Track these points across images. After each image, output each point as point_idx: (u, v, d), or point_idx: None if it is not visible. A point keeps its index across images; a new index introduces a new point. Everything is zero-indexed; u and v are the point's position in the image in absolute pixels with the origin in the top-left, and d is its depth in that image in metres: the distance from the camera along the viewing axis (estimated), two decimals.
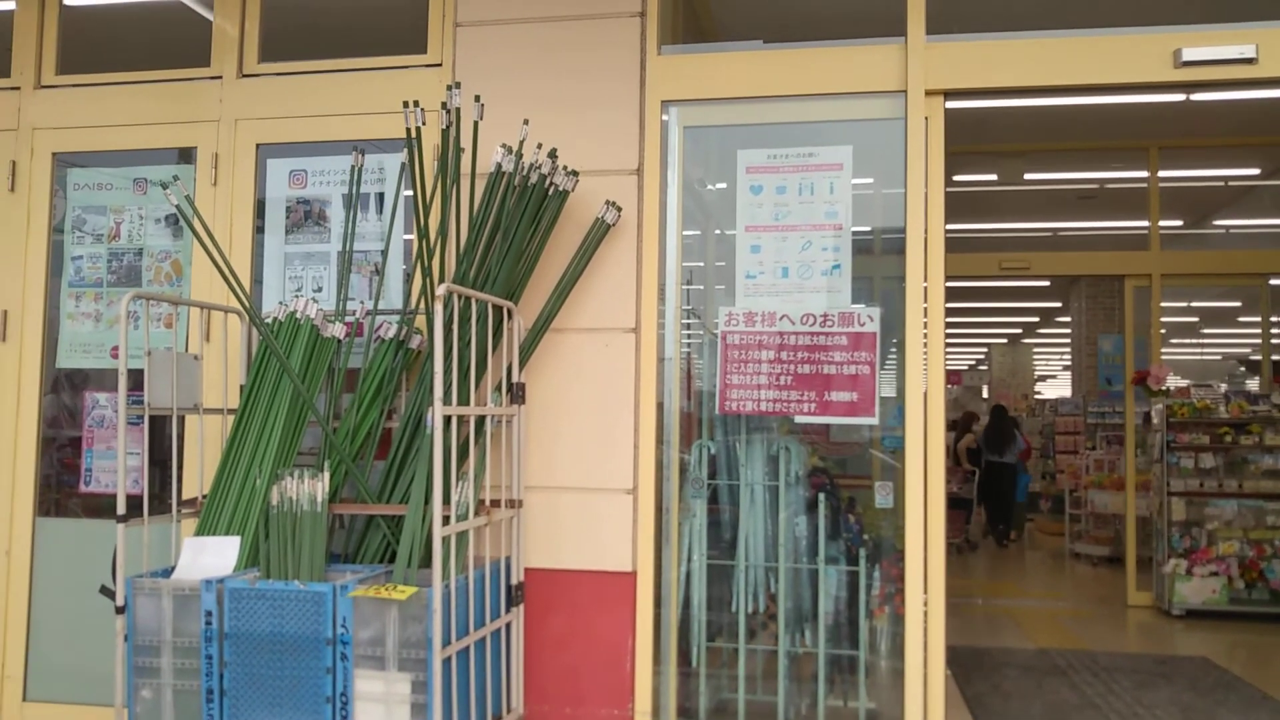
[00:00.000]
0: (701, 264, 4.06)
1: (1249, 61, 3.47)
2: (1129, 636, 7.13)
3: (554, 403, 3.70)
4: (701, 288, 4.04)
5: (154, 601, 3.07)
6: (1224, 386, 8.52)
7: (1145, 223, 8.51)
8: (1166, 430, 8.07)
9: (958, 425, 12.43)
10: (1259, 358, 9.83)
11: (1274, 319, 8.91)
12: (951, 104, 3.68)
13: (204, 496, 3.47)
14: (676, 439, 3.84)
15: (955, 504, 11.42)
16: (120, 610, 3.09)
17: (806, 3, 5.02)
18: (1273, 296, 8.92)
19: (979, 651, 6.41)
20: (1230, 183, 9.02)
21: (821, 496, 3.84)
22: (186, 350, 3.98)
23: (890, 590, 3.84)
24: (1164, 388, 8.21)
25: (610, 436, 3.67)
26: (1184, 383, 8.73)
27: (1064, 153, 8.63)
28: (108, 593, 3.20)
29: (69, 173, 4.27)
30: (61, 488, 4.24)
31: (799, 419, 3.75)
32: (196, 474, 3.64)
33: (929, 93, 3.63)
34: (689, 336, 3.98)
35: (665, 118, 3.82)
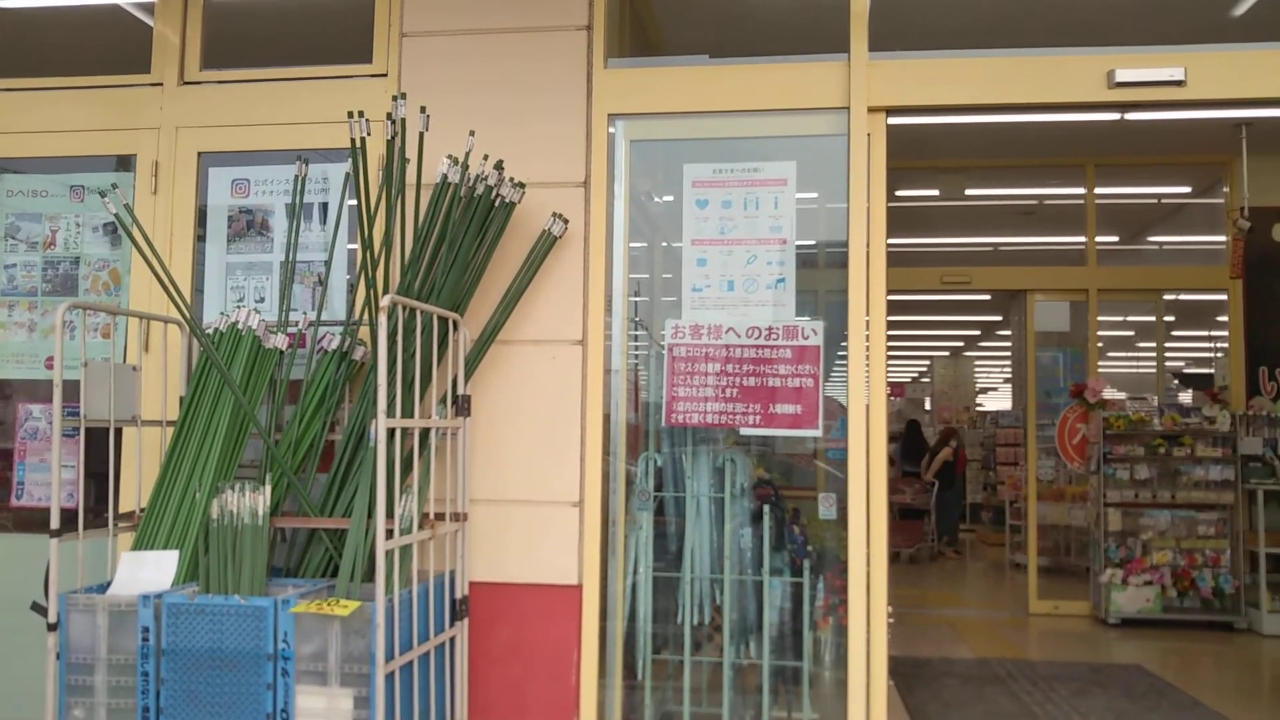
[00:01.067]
0: (649, 276, 4.08)
1: (1178, 84, 3.57)
2: (1067, 645, 7.26)
3: (500, 415, 3.69)
4: (649, 300, 4.05)
5: (88, 618, 3.01)
6: (1157, 399, 8.72)
7: (1082, 238, 8.71)
8: (1103, 442, 8.24)
9: (938, 439, 12.78)
10: (1193, 371, 10.10)
11: (1208, 334, 9.15)
12: (894, 120, 3.74)
13: (142, 510, 3.40)
14: (623, 451, 3.84)
15: (916, 514, 11.69)
16: (52, 627, 3.01)
17: (753, 18, 5.08)
18: (1205, 311, 9.17)
19: (920, 662, 6.49)
20: (1163, 200, 9.26)
21: (766, 508, 3.87)
22: (125, 361, 3.91)
23: (834, 601, 3.88)
24: (1100, 400, 8.38)
25: (556, 449, 3.66)
26: (1120, 395, 8.93)
27: (1004, 169, 8.81)
28: (39, 609, 3.13)
29: (2, 179, 4.18)
30: None
31: (744, 431, 3.78)
32: (135, 487, 3.57)
33: (871, 109, 3.68)
34: (636, 348, 4.00)
35: (612, 130, 3.84)
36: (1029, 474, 8.80)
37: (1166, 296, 9.51)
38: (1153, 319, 9.59)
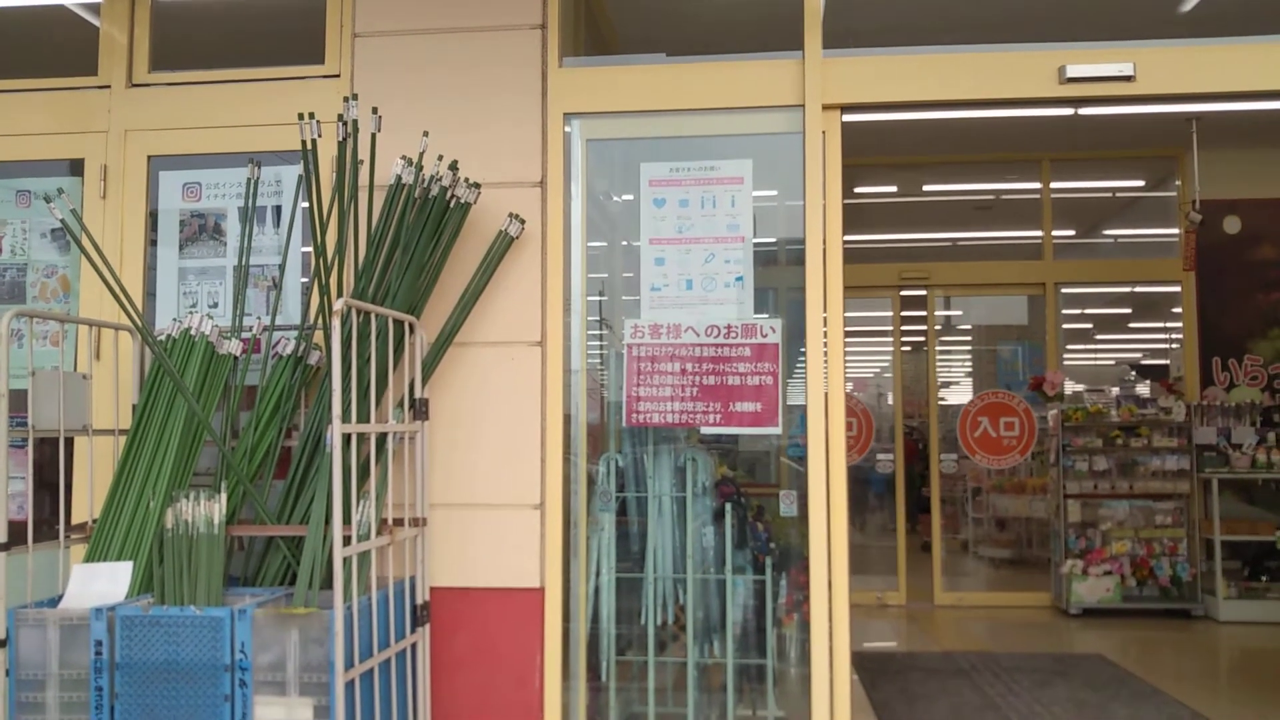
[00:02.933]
0: (608, 275, 4.07)
1: (1128, 79, 3.61)
2: (1029, 637, 7.34)
3: (459, 418, 3.66)
4: (608, 299, 4.04)
5: (39, 633, 2.94)
6: (1115, 391, 8.83)
7: (1039, 233, 8.80)
8: (1062, 434, 8.33)
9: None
10: (1149, 362, 10.23)
11: (1164, 325, 9.28)
12: (848, 117, 3.76)
13: (94, 521, 3.34)
14: (584, 451, 3.83)
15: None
16: (1, 644, 2.95)
17: (708, 16, 5.09)
18: (1160, 303, 9.30)
19: (885, 655, 6.52)
20: (1118, 194, 9.37)
21: (729, 506, 3.87)
22: (75, 369, 3.84)
23: (798, 598, 3.89)
24: (1059, 393, 8.47)
25: (517, 451, 3.64)
26: (1079, 387, 9.04)
27: (961, 165, 8.88)
28: None
29: None
30: None
31: (705, 430, 3.78)
32: (87, 498, 3.51)
33: (826, 107, 3.69)
34: (598, 348, 3.98)
35: (568, 130, 3.82)
36: (932, 465, 8.94)
37: (1123, 289, 9.64)
38: (1110, 311, 9.71)
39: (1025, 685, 5.71)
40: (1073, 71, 3.61)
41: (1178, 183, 8.49)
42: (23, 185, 4.06)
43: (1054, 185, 8.77)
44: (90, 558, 3.25)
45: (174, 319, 3.57)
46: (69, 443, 3.44)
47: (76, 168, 4.01)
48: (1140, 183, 9.19)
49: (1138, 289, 10.07)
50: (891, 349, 9.17)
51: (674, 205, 3.80)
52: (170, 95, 3.96)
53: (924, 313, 9.13)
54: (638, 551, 3.94)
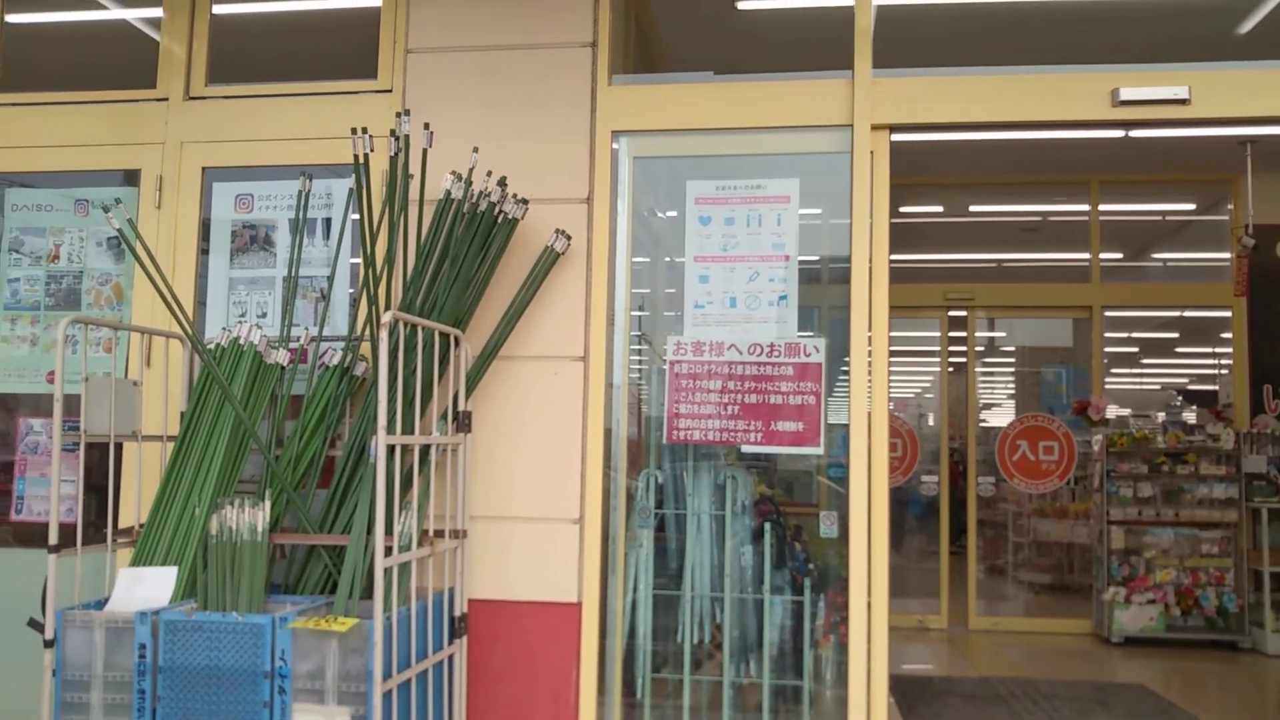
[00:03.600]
0: (651, 292, 4.08)
1: (1182, 102, 3.57)
2: (1069, 664, 7.22)
3: (501, 431, 3.68)
4: (650, 315, 4.05)
5: (85, 634, 2.99)
6: (1161, 416, 8.69)
7: (1086, 255, 8.69)
8: (1106, 460, 8.21)
9: None
10: (1197, 388, 10.06)
11: (1213, 350, 9.12)
12: (897, 137, 3.74)
13: (141, 526, 3.40)
14: (624, 467, 3.83)
15: None
16: (49, 644, 3.00)
17: (757, 35, 5.09)
18: (1209, 328, 9.14)
19: (921, 680, 6.45)
20: (1167, 217, 9.25)
21: (768, 526, 3.85)
22: (126, 376, 3.91)
23: (835, 619, 3.86)
24: (1104, 417, 8.36)
25: (557, 465, 3.65)
26: (1124, 412, 8.91)
27: (1008, 186, 8.81)
28: (36, 626, 3.12)
29: (7, 193, 4.19)
30: None
31: (745, 449, 3.76)
32: (134, 502, 3.56)
33: (874, 127, 3.68)
34: (639, 364, 3.99)
35: (615, 147, 3.84)
36: (970, 488, 8.80)
37: (1170, 313, 9.50)
38: (1156, 336, 9.57)
39: (1065, 714, 5.62)
40: (1126, 94, 3.57)
41: (1230, 206, 8.36)
42: (81, 195, 4.14)
43: (1102, 207, 8.67)
44: (136, 562, 3.30)
45: (223, 328, 3.62)
46: (118, 448, 3.50)
47: (133, 178, 4.09)
48: (1191, 206, 9.06)
49: (1186, 313, 9.92)
50: (938, 369, 9.08)
51: (719, 223, 3.80)
52: (225, 108, 4.03)
53: (967, 334, 9.05)
54: (675, 569, 3.94)
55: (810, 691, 3.84)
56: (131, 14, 4.31)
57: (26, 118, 4.16)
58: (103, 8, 4.41)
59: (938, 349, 9.13)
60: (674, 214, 3.91)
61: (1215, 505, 8.03)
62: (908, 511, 9.76)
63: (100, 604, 3.14)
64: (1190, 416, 8.66)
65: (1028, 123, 3.72)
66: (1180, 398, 10.07)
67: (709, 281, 3.80)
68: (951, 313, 9.04)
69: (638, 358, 3.98)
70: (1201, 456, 8.09)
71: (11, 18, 4.32)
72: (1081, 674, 6.84)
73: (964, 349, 9.11)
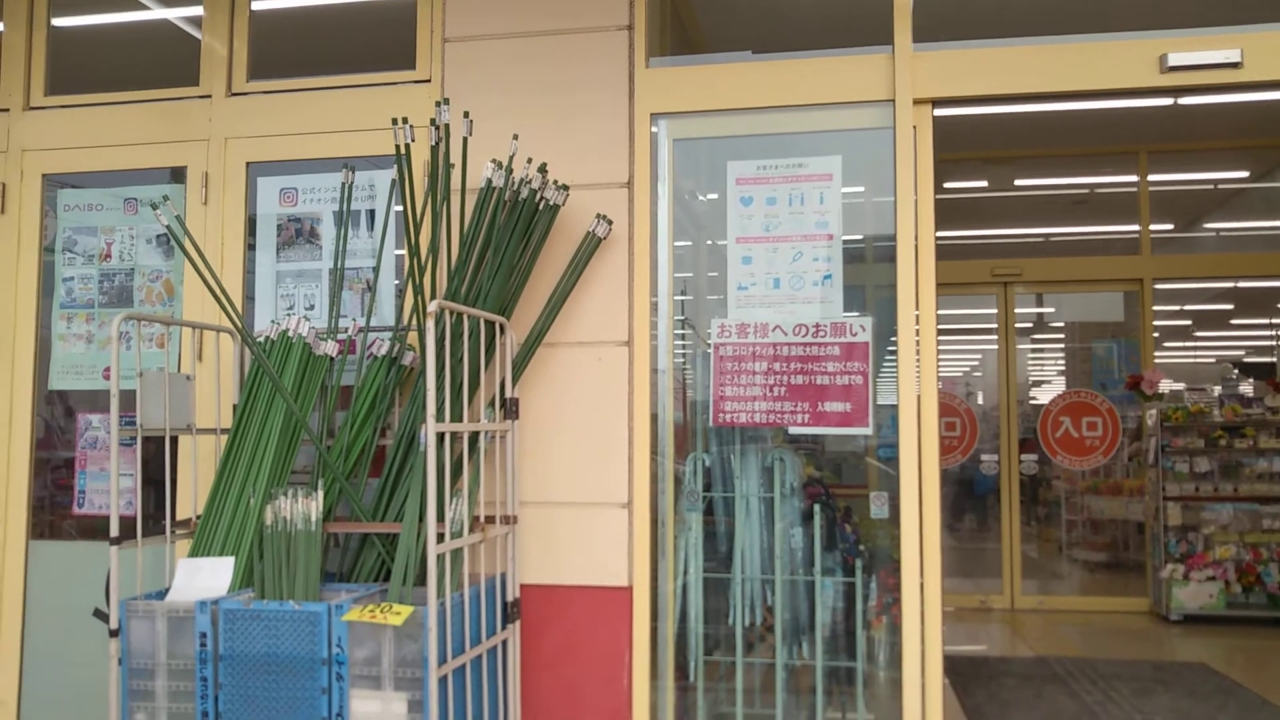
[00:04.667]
0: (694, 275, 4.06)
1: (1234, 66, 3.48)
2: (1127, 643, 7.13)
3: (548, 417, 3.69)
4: (693, 298, 4.04)
5: (148, 624, 3.06)
6: (1218, 390, 8.52)
7: (1136, 227, 8.54)
8: (1161, 434, 8.07)
9: None
10: (1254, 360, 9.86)
11: (1269, 321, 8.92)
12: (940, 112, 3.69)
13: (198, 517, 3.45)
14: (671, 451, 3.83)
15: None
16: (114, 633, 3.07)
17: (794, 13, 5.04)
18: (1265, 299, 8.94)
19: (977, 660, 6.40)
20: (1220, 186, 9.05)
21: (817, 507, 3.84)
22: (179, 370, 3.97)
23: (888, 600, 3.83)
24: (1158, 392, 8.21)
25: (604, 450, 3.66)
26: (1178, 386, 8.76)
27: (1054, 158, 8.67)
28: (101, 616, 3.19)
29: (59, 193, 4.27)
30: (55, 510, 4.22)
31: (793, 430, 3.75)
32: (190, 494, 3.63)
33: (917, 101, 3.64)
34: (683, 348, 3.98)
35: (655, 130, 3.82)
36: (1011, 465, 8.68)
37: (1224, 284, 9.30)
38: (1210, 308, 9.38)
39: (1124, 694, 5.55)
40: (1175, 60, 3.49)
41: None
42: (129, 194, 4.21)
43: (1151, 178, 8.50)
44: (194, 552, 3.35)
45: (272, 321, 3.67)
46: (173, 441, 3.57)
47: (179, 175, 4.15)
48: (1244, 174, 8.86)
49: (1240, 284, 9.72)
50: (995, 346, 8.97)
51: (761, 203, 3.78)
52: (267, 103, 4.07)
53: (1020, 309, 8.92)
54: (725, 552, 3.93)
55: (864, 673, 3.82)
56: (173, 13, 4.36)
57: (74, 120, 4.23)
58: (145, 8, 4.46)
59: (992, 326, 9.00)
60: (715, 196, 3.89)
61: (1276, 479, 7.87)
62: (973, 492, 9.66)
63: (161, 594, 3.20)
64: (1247, 389, 8.48)
65: (1073, 92, 3.65)
66: (1236, 370, 9.88)
67: (752, 263, 3.78)
68: (1011, 289, 8.92)
69: (682, 342, 3.97)
70: (1260, 430, 7.93)
71: (57, 21, 4.39)
72: (1140, 653, 6.74)
73: (1022, 325, 8.99)
